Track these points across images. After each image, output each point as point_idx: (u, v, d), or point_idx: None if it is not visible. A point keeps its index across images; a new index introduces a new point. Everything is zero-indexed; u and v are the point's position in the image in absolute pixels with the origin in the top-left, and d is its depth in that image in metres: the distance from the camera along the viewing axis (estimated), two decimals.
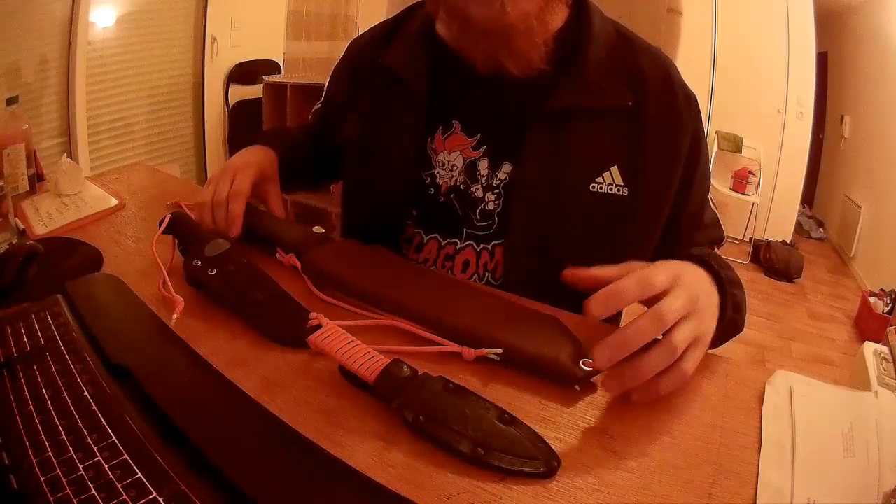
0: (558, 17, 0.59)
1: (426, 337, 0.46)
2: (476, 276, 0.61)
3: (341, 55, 0.73)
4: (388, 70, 0.62)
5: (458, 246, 0.60)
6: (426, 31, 0.63)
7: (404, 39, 0.63)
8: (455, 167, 0.60)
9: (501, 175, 0.58)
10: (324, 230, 0.59)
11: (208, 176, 3.03)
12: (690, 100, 0.59)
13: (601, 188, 0.56)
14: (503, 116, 0.59)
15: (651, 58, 0.59)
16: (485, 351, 0.43)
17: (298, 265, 0.55)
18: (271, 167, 0.65)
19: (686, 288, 0.42)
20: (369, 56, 0.66)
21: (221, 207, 0.58)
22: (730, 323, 0.48)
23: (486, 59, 0.57)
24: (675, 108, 0.58)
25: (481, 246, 0.60)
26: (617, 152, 0.56)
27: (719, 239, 0.66)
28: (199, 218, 0.60)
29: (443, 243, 0.61)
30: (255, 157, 0.64)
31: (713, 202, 0.66)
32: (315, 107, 0.79)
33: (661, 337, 0.40)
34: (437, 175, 0.61)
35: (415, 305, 0.48)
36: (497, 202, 0.59)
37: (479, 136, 0.59)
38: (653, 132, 0.56)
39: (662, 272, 0.41)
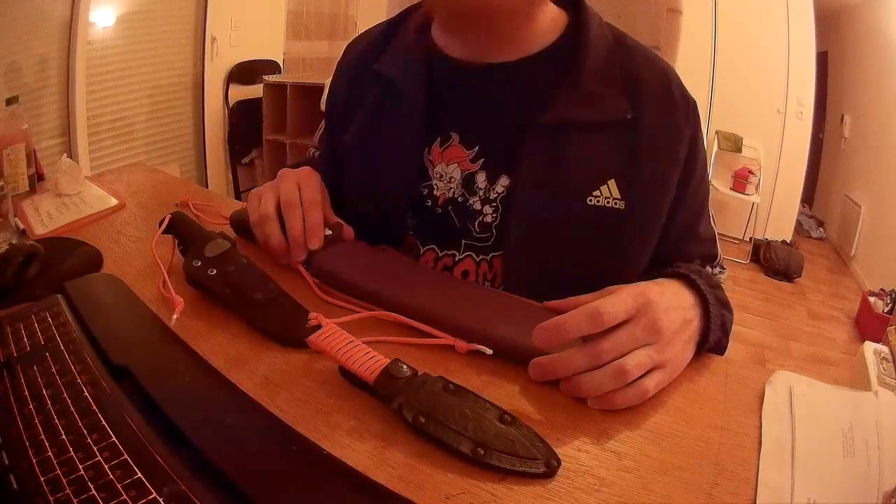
0: (556, 24, 0.59)
1: (423, 329, 0.47)
2: None
3: (338, 61, 0.71)
4: (386, 77, 0.61)
5: (457, 257, 0.60)
6: (423, 38, 0.62)
7: (400, 46, 0.62)
8: (453, 179, 0.59)
9: (499, 188, 0.57)
10: (331, 232, 0.58)
11: (208, 176, 3.03)
12: (689, 106, 0.58)
13: (598, 202, 0.55)
14: (501, 129, 0.58)
15: (649, 64, 0.58)
16: (476, 346, 0.45)
17: (301, 270, 0.55)
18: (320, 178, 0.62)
19: (648, 321, 0.42)
20: (366, 62, 0.64)
21: (296, 209, 0.55)
22: (716, 345, 0.48)
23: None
24: (673, 116, 0.57)
25: (480, 257, 0.59)
26: (614, 165, 0.55)
27: (713, 257, 0.64)
28: (263, 234, 0.56)
29: (440, 254, 0.60)
30: (307, 170, 0.61)
31: (714, 220, 0.65)
32: (317, 133, 0.77)
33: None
34: (435, 187, 0.60)
35: (416, 305, 0.49)
36: (495, 215, 0.58)
37: (476, 148, 0.58)
38: (650, 142, 0.55)
39: (621, 305, 0.41)
